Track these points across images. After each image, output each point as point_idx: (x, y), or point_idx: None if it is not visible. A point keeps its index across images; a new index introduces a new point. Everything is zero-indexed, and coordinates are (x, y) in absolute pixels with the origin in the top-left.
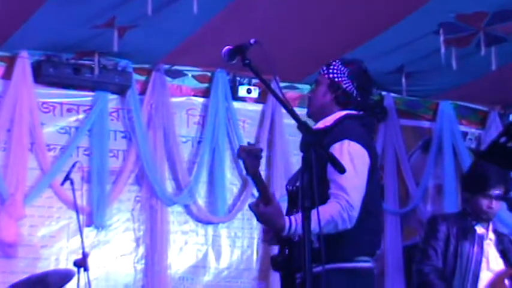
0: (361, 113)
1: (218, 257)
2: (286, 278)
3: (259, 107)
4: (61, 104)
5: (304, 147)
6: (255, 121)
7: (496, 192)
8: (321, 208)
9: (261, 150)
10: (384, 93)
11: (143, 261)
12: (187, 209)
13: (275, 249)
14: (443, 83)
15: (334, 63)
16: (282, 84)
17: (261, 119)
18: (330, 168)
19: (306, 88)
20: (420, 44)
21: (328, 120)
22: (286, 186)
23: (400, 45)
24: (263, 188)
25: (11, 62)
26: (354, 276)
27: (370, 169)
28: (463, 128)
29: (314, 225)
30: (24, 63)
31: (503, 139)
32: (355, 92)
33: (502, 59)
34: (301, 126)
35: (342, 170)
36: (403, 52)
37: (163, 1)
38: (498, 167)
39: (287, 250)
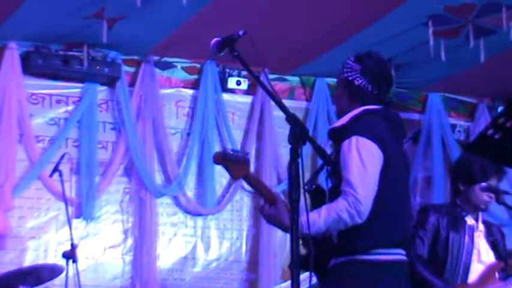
0: (381, 106)
1: (207, 248)
2: (320, 274)
3: (248, 99)
4: (50, 95)
5: (293, 139)
6: (245, 113)
7: (493, 181)
8: (328, 206)
9: (246, 154)
10: None
11: (132, 253)
12: (176, 200)
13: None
14: (432, 75)
15: (348, 61)
16: (271, 76)
17: (250, 110)
18: (342, 165)
19: (295, 80)
20: (409, 36)
21: (344, 118)
22: (303, 186)
23: (389, 37)
24: (264, 189)
25: (0, 53)
26: (373, 268)
27: (385, 162)
28: (452, 120)
29: (321, 224)
30: (12, 54)
31: (490, 131)
32: (369, 86)
33: (490, 51)
34: (290, 118)
35: (330, 163)
36: (392, 44)
37: None
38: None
39: (316, 249)
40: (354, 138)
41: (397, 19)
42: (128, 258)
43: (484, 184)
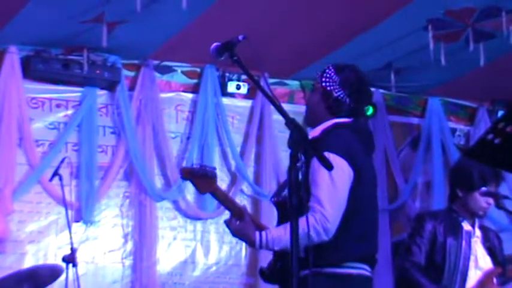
0: (351, 119)
1: (207, 252)
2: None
3: (248, 103)
4: (50, 99)
5: (292, 144)
6: (244, 117)
7: (491, 187)
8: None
9: (213, 169)
10: (372, 89)
11: (132, 257)
12: (176, 204)
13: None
14: (432, 79)
15: (327, 70)
16: (271, 81)
17: (250, 115)
18: (310, 180)
19: (294, 84)
20: (409, 40)
21: (316, 131)
22: (271, 199)
23: (388, 41)
24: (230, 204)
25: (0, 57)
26: (340, 281)
27: (355, 178)
28: (451, 125)
29: (287, 240)
30: (13, 58)
31: (490, 136)
32: (347, 100)
33: (490, 55)
34: (289, 122)
35: (330, 167)
36: (392, 48)
37: None
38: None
39: (279, 263)
40: (325, 155)
41: (397, 23)
42: (128, 262)
43: (484, 189)
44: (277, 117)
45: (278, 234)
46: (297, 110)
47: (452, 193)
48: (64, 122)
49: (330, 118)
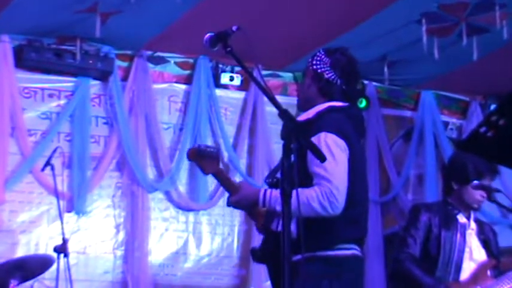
0: (346, 104)
1: (199, 244)
2: (273, 268)
3: (241, 95)
4: (42, 89)
5: (285, 135)
6: (237, 108)
7: (486, 180)
8: (300, 189)
9: (218, 150)
10: (366, 82)
11: (123, 248)
12: (168, 195)
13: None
14: (425, 72)
15: (318, 53)
16: (264, 72)
17: (243, 106)
18: (310, 161)
19: (288, 76)
20: (402, 33)
21: (310, 113)
22: (265, 179)
23: (382, 34)
24: (227, 183)
25: None
26: (334, 264)
27: (350, 158)
28: (444, 118)
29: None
30: (5, 48)
31: (483, 129)
32: (338, 81)
33: (483, 49)
34: (283, 114)
35: (322, 158)
36: (386, 41)
37: None
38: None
39: (271, 243)
40: (322, 134)
41: (391, 16)
42: (119, 252)
43: (476, 182)
44: (270, 109)
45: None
46: (290, 101)
47: (447, 186)
48: (56, 112)
49: (323, 101)
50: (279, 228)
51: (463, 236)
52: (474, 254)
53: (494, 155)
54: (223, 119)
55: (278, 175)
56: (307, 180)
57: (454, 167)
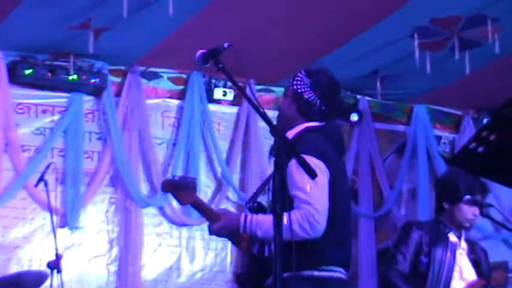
0: (322, 124)
1: (192, 259)
2: None
3: (234, 110)
4: (36, 105)
5: (276, 151)
6: (230, 123)
7: (477, 198)
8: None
9: (193, 180)
10: (358, 96)
11: (117, 263)
12: (161, 211)
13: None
14: (418, 86)
15: (299, 74)
16: (257, 87)
17: (236, 121)
18: (290, 184)
19: (281, 91)
20: (395, 47)
21: (289, 134)
22: (246, 203)
23: (375, 48)
24: (207, 212)
25: None
26: (319, 284)
27: (331, 180)
28: (437, 132)
29: (267, 231)
30: None
31: (473, 144)
32: (318, 101)
33: (475, 63)
34: (273, 130)
35: (313, 175)
36: (378, 56)
37: (139, 3)
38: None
39: (253, 267)
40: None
41: (384, 31)
42: (113, 268)
43: (468, 197)
44: (263, 124)
45: (262, 218)
46: None
47: (439, 205)
48: (50, 128)
49: (302, 122)
50: (266, 252)
51: (453, 254)
52: (464, 273)
53: (485, 171)
54: (216, 134)
55: (259, 200)
56: (288, 200)
57: (445, 186)
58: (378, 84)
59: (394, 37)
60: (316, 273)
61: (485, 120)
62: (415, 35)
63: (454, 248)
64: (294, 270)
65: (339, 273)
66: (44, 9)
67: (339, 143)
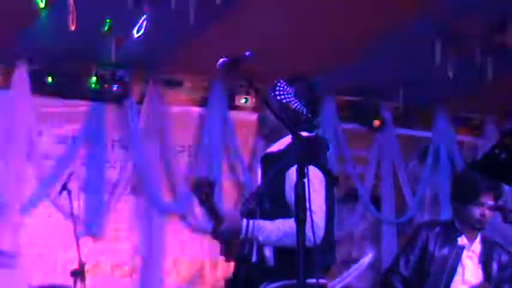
0: (312, 134)
1: (214, 267)
2: None
3: (255, 116)
4: (59, 113)
5: (299, 158)
6: (252, 130)
7: (486, 199)
8: (283, 220)
9: (213, 181)
10: (380, 102)
11: (139, 272)
12: (183, 219)
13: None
14: (440, 91)
15: (279, 84)
16: None
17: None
18: (291, 191)
19: None
20: (417, 52)
21: (281, 143)
22: (240, 208)
23: (397, 54)
24: (215, 214)
25: (9, 71)
26: None
27: (326, 188)
28: (459, 137)
29: (273, 233)
30: (22, 73)
31: (496, 151)
32: (304, 110)
33: (498, 68)
34: (296, 137)
35: (335, 180)
36: (401, 61)
37: (161, 11)
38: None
39: (242, 272)
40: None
41: (406, 36)
42: (136, 276)
43: (488, 201)
44: None
45: (264, 224)
46: None
47: (452, 207)
48: (73, 136)
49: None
50: (254, 257)
51: (458, 257)
52: (467, 276)
53: (507, 176)
54: (238, 140)
55: (251, 205)
56: (280, 208)
57: (455, 187)
58: (400, 89)
59: (417, 42)
60: (308, 280)
61: (508, 126)
62: (438, 40)
63: (460, 250)
64: (288, 278)
65: (324, 279)
66: (66, 18)
67: (325, 153)
